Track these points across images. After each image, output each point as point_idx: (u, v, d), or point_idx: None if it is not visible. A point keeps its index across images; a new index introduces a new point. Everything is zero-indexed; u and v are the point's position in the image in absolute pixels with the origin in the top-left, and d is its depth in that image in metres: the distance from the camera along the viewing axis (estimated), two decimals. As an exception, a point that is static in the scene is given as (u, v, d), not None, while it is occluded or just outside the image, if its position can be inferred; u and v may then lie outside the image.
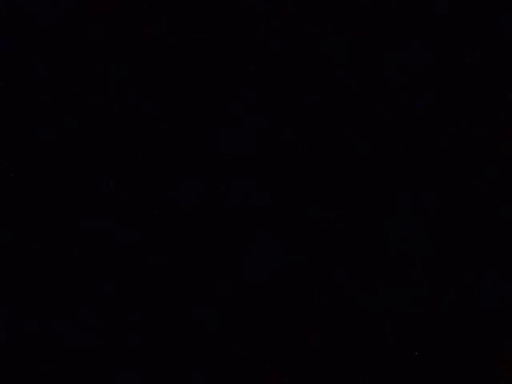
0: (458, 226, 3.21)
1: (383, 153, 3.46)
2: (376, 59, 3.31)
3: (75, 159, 3.26)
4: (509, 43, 3.04)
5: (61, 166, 3.24)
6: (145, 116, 3.23)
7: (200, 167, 3.41)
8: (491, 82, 3.15)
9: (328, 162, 3.51)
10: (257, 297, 2.91)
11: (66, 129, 3.23)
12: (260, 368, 2.06)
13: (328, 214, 3.48)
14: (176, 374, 2.04)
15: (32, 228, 3.10)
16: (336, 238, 3.38)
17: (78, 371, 2.03)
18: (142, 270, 3.22)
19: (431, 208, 3.42)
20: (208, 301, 2.82)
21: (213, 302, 2.79)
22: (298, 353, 2.19)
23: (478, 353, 2.13)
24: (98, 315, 2.54)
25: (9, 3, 3.02)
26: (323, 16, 3.13)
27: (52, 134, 3.14)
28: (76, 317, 2.54)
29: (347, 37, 3.24)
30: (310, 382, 1.96)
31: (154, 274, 3.23)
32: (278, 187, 3.52)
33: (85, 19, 3.21)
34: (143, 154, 3.22)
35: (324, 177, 3.45)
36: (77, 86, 3.16)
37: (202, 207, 3.58)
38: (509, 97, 3.10)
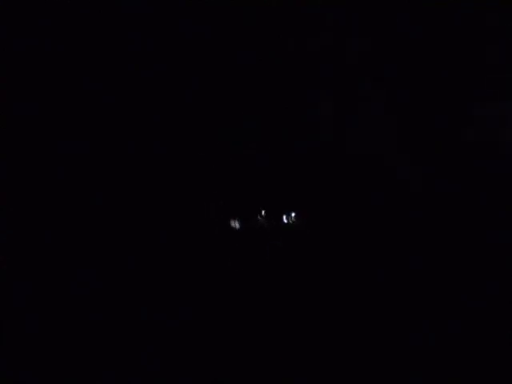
0: (458, 226, 3.21)
1: (384, 154, 3.44)
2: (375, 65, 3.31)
3: (76, 159, 3.26)
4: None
5: (61, 165, 3.24)
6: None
7: (199, 167, 3.40)
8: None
9: (327, 161, 3.50)
10: (257, 296, 2.91)
11: (66, 131, 3.23)
12: (259, 368, 2.06)
13: (329, 216, 3.47)
14: (176, 373, 2.04)
15: (31, 228, 3.09)
16: (337, 238, 3.38)
17: (77, 371, 2.03)
18: (141, 270, 3.22)
19: (431, 209, 3.41)
20: (208, 301, 2.82)
21: (212, 302, 2.79)
22: (298, 353, 2.19)
23: (479, 353, 2.14)
24: (97, 315, 2.54)
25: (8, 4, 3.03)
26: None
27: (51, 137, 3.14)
28: (76, 315, 2.54)
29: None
30: (309, 382, 1.96)
31: (153, 273, 3.23)
32: (278, 187, 3.52)
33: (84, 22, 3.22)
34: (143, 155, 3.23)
35: (323, 177, 3.44)
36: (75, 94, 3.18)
37: (202, 207, 3.57)
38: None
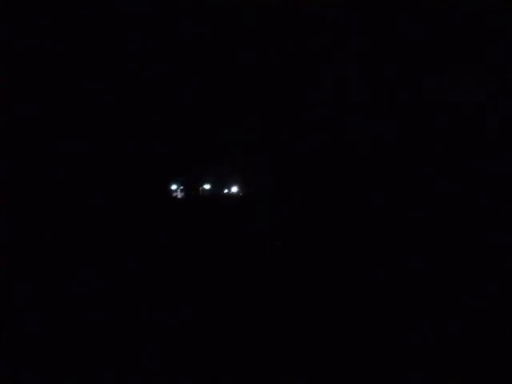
0: (457, 226, 3.20)
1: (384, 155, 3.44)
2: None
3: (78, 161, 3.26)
4: None
5: (61, 165, 3.23)
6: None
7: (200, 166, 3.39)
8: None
9: (327, 161, 3.50)
10: (256, 296, 2.90)
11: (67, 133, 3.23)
12: (259, 367, 2.06)
13: (329, 215, 3.46)
14: (176, 373, 2.04)
15: (31, 228, 3.09)
16: (337, 238, 3.37)
17: (77, 371, 2.03)
18: (141, 270, 3.20)
19: (430, 210, 3.40)
20: (208, 301, 2.81)
21: (212, 302, 2.79)
22: (298, 353, 2.19)
23: (479, 353, 2.14)
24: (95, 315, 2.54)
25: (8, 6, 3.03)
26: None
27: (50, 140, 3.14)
28: (76, 315, 2.54)
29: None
30: (309, 382, 1.96)
31: (153, 273, 3.21)
32: (276, 186, 3.51)
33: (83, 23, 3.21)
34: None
35: (323, 177, 3.44)
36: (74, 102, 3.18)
37: (202, 207, 3.56)
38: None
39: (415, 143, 3.35)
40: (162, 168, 3.71)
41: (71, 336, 2.40)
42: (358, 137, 3.41)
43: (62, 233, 3.41)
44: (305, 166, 3.56)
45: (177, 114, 3.57)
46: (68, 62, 3.29)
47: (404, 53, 3.31)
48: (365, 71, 3.35)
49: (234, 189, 4.25)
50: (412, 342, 2.29)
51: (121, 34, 3.31)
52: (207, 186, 4.30)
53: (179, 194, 4.31)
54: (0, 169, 3.23)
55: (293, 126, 3.56)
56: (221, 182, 4.28)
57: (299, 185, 3.62)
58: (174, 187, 4.27)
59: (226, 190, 4.35)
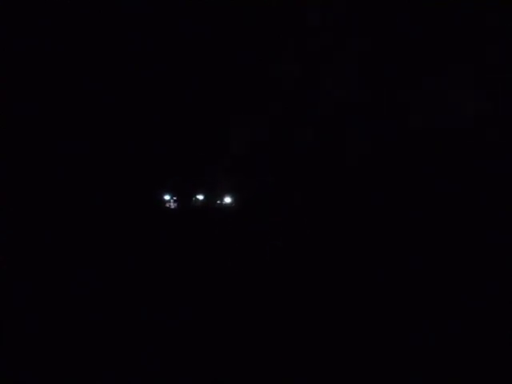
0: (457, 226, 3.20)
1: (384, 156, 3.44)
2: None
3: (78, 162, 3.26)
4: None
5: (61, 165, 3.24)
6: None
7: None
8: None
9: (326, 162, 3.51)
10: (256, 296, 2.90)
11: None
12: (257, 368, 2.06)
13: (329, 216, 3.46)
14: (176, 374, 2.04)
15: (31, 228, 3.09)
16: (337, 238, 3.37)
17: (77, 371, 2.03)
18: (141, 270, 3.20)
19: (431, 210, 3.40)
20: (208, 301, 2.81)
21: (212, 302, 2.79)
22: (298, 353, 2.19)
23: (479, 353, 2.14)
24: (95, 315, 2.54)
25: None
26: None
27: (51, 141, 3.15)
28: (76, 315, 2.54)
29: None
30: (309, 382, 1.97)
31: (153, 273, 3.21)
32: (276, 186, 3.51)
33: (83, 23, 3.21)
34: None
35: (323, 177, 3.45)
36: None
37: (203, 207, 3.56)
38: None
39: (415, 143, 3.35)
40: (154, 177, 3.74)
41: (71, 336, 2.40)
42: (358, 137, 3.41)
43: (61, 233, 3.42)
44: (305, 166, 3.56)
45: (172, 119, 3.58)
46: (68, 62, 3.29)
47: (404, 53, 3.31)
48: (365, 71, 3.36)
49: (227, 199, 4.26)
50: (412, 342, 2.29)
51: (120, 34, 3.32)
52: (200, 197, 4.34)
53: (172, 205, 4.37)
54: (0, 169, 3.23)
55: (293, 126, 3.56)
56: (214, 193, 4.30)
57: (299, 185, 3.62)
58: (167, 197, 4.32)
59: (218, 201, 4.36)
